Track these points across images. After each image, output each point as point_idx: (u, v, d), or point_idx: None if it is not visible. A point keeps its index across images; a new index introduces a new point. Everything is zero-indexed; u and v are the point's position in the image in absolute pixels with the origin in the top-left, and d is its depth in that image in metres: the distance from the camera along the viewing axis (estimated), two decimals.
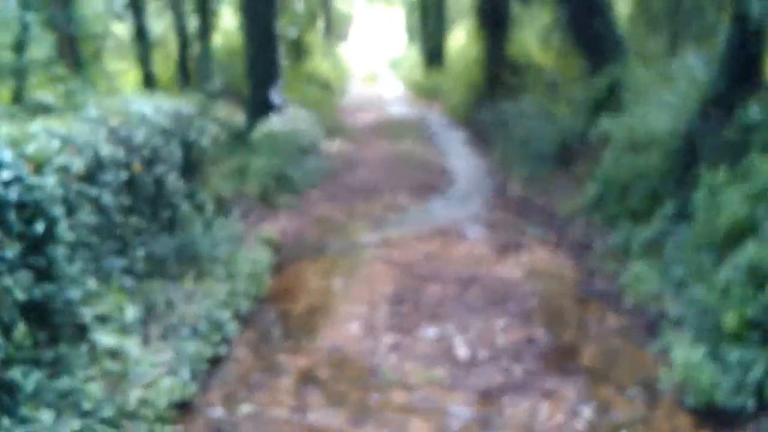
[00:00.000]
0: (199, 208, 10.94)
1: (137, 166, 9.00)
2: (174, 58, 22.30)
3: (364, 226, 13.50)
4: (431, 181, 16.89)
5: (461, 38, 29.54)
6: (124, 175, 8.67)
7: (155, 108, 10.15)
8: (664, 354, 8.04)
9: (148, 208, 9.35)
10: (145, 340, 7.99)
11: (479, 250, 11.90)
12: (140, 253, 8.82)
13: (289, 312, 9.90)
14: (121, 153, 8.69)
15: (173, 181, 10.02)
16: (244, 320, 9.40)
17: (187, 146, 11.05)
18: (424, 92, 31.88)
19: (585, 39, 16.24)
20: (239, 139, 17.55)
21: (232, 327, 8.95)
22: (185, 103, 11.70)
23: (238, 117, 19.47)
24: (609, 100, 14.73)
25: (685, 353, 7.49)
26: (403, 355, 8.52)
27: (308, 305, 10.08)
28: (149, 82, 20.94)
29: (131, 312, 8.03)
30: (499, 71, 22.74)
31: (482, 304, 9.76)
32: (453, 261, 11.39)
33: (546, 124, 17.05)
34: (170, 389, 7.27)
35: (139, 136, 9.22)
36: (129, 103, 9.91)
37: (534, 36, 22.40)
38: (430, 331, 9.09)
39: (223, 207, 12.46)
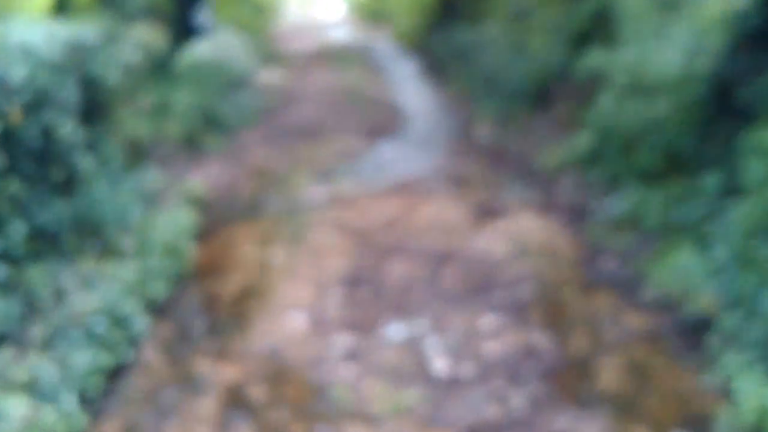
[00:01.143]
0: (105, 161, 8.90)
1: (15, 114, 6.97)
2: None
3: (309, 178, 11.65)
4: (383, 121, 15.04)
5: None
6: None
7: (44, 36, 8.09)
8: (712, 373, 6.27)
9: (32, 166, 7.33)
10: (19, 352, 6.06)
11: (450, 213, 10.07)
12: (20, 228, 6.80)
13: (217, 296, 8.03)
14: None
15: (68, 129, 7.97)
16: (159, 310, 7.53)
17: (90, 84, 9.01)
18: (371, 16, 29.78)
19: None
20: (162, 67, 15.48)
21: (140, 322, 7.06)
22: (88, 29, 9.61)
23: (161, 42, 17.32)
24: (596, 31, 12.86)
25: (756, 391, 5.66)
26: (361, 368, 6.68)
27: (241, 286, 8.21)
28: (62, 1, 18.96)
29: None
30: None
31: (461, 292, 7.95)
32: (419, 228, 9.57)
33: (517, 57, 15.19)
34: (48, 428, 5.37)
35: (18, 73, 7.17)
36: (7, 30, 7.84)
37: None
38: (396, 330, 7.26)
39: (138, 156, 10.51)
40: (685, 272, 7.41)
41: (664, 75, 10.35)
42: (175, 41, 16.51)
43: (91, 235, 7.90)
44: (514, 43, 15.85)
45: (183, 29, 16.82)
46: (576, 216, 9.93)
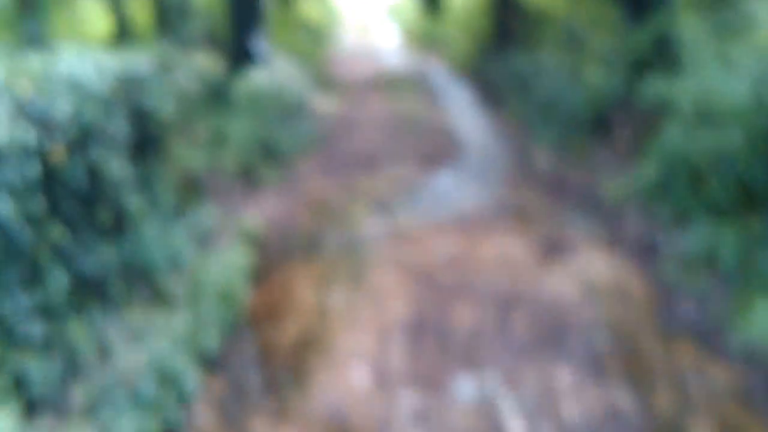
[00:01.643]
0: (155, 200, 8.10)
1: (58, 152, 6.21)
2: (152, 2, 19.49)
3: (366, 210, 10.80)
4: (440, 149, 14.14)
5: None
6: (35, 168, 5.86)
7: (93, 68, 7.32)
8: None
9: (77, 209, 6.54)
10: (59, 420, 5.27)
11: (514, 249, 9.18)
12: (61, 279, 6.00)
13: (273, 346, 7.20)
14: (32, 134, 5.89)
15: (117, 167, 7.20)
16: (211, 364, 6.73)
17: (141, 117, 8.25)
18: (424, 42, 28.90)
19: None
20: (218, 96, 14.76)
21: (192, 379, 6.26)
22: (141, 59, 8.85)
23: (218, 69, 16.62)
24: (656, 58, 11.94)
25: None
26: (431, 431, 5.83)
27: (298, 333, 7.37)
28: (122, 28, 18.36)
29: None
30: (508, 19, 19.88)
31: (532, 340, 7.06)
32: (483, 267, 8.68)
33: (573, 84, 14.28)
34: None
35: (64, 108, 6.40)
36: (54, 61, 7.09)
37: None
38: (466, 386, 6.40)
39: (193, 190, 9.75)
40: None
41: (733, 104, 9.43)
42: (232, 68, 15.84)
43: (139, 282, 7.11)
44: (570, 70, 14.95)
45: (240, 56, 16.12)
46: (645, 252, 9.01)
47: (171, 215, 8.31)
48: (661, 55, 11.88)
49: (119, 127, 7.43)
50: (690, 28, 12.02)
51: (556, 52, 16.21)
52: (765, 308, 6.78)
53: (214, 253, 8.33)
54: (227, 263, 8.10)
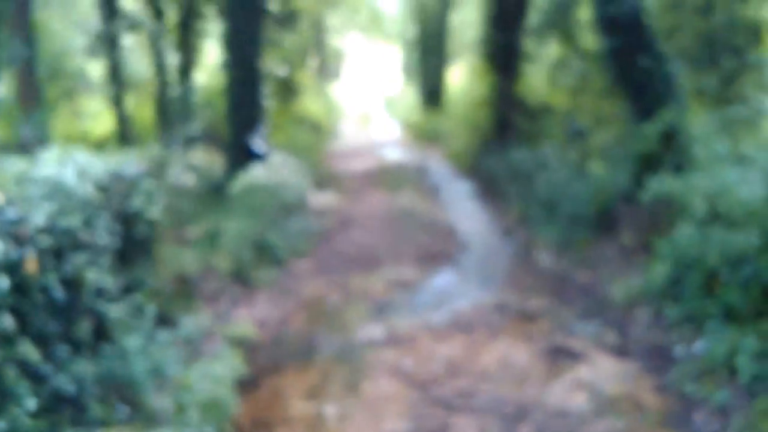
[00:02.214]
0: (139, 309, 7.60)
1: (30, 263, 5.74)
2: (154, 99, 19.33)
3: (364, 312, 10.35)
4: (440, 247, 13.70)
5: (464, 76, 26.28)
6: (3, 282, 5.39)
7: (76, 170, 6.92)
8: None
9: (51, 322, 6.06)
10: None
11: (518, 356, 8.67)
12: (29, 401, 5.49)
13: None
14: (2, 245, 5.44)
15: (97, 275, 6.74)
16: None
17: (128, 219, 7.83)
18: (423, 135, 28.61)
19: (628, 76, 12.89)
20: (217, 191, 14.41)
21: None
22: (131, 160, 8.47)
23: (218, 165, 16.31)
24: (664, 154, 11.54)
25: None
26: None
27: None
28: (123, 125, 18.17)
29: None
30: (508, 113, 19.58)
31: None
32: (486, 375, 8.17)
33: (576, 180, 13.88)
34: None
35: (39, 216, 5.97)
36: (34, 165, 6.69)
37: (549, 74, 19.10)
38: None
39: (183, 293, 9.29)
40: None
41: (747, 204, 9.02)
42: (231, 165, 15.52)
43: (120, 398, 6.59)
44: (573, 165, 14.58)
45: (239, 152, 15.83)
46: (657, 359, 8.50)
47: (155, 324, 7.79)
48: (669, 151, 11.48)
49: (101, 232, 6.99)
50: (699, 123, 11.68)
51: (558, 147, 15.86)
52: None
53: (202, 362, 7.82)
54: (215, 373, 7.59)
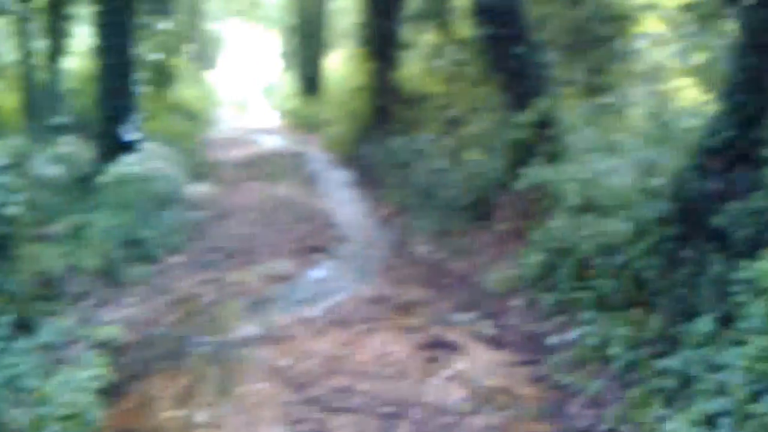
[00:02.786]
0: None
1: None
2: (20, 86, 18.59)
3: (240, 309, 10.10)
4: (318, 238, 13.55)
5: (343, 63, 26.07)
6: None
7: None
8: None
9: None
10: None
11: (396, 349, 8.57)
12: None
13: None
14: None
15: None
16: None
17: None
18: (302, 123, 28.35)
19: (503, 65, 12.92)
20: (86, 184, 13.87)
21: None
22: None
23: (88, 156, 15.73)
24: (537, 143, 11.57)
25: None
26: None
27: None
28: None
29: None
30: (387, 101, 19.47)
31: None
32: (364, 372, 8.02)
33: (453, 169, 13.87)
34: None
35: None
36: None
37: (426, 62, 19.07)
38: None
39: (46, 294, 8.91)
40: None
41: (618, 192, 9.10)
42: (102, 156, 14.97)
43: None
44: (449, 153, 14.56)
45: (110, 142, 15.25)
46: (532, 349, 8.52)
47: (12, 331, 7.41)
48: (542, 140, 11.52)
49: None
50: (571, 113, 11.76)
51: (435, 135, 15.83)
52: (660, 411, 6.29)
53: (64, 370, 7.45)
54: (78, 381, 7.22)
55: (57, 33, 19.21)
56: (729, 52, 8.47)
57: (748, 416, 5.41)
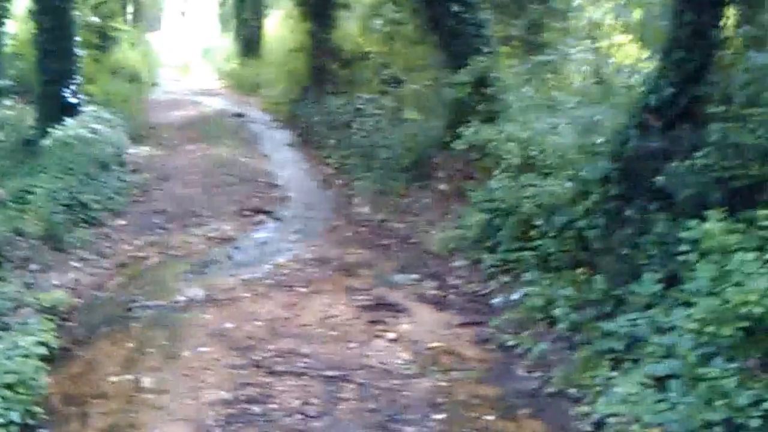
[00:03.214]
0: None
1: None
2: None
3: (183, 271, 9.73)
4: (260, 199, 13.23)
5: (280, 25, 25.49)
6: None
7: None
8: None
9: None
10: None
11: (339, 311, 8.29)
12: None
13: None
14: None
15: None
16: None
17: None
18: (242, 85, 27.72)
19: (440, 23, 12.54)
20: (27, 148, 13.33)
21: None
22: None
23: (29, 120, 15.13)
24: (476, 102, 11.24)
25: None
26: None
27: (105, 428, 6.17)
28: None
29: None
30: (324, 61, 19.02)
31: (365, 427, 6.07)
32: (308, 334, 7.73)
33: (392, 128, 13.54)
34: None
35: None
36: None
37: (365, 22, 18.62)
38: None
39: None
40: (623, 397, 5.67)
41: (558, 151, 8.82)
42: (42, 120, 14.38)
43: None
44: (388, 113, 14.20)
45: (51, 106, 14.66)
46: (477, 309, 8.27)
47: None
48: (481, 99, 11.19)
49: None
50: (509, 71, 11.46)
51: (374, 96, 15.46)
52: (606, 374, 6.05)
53: (7, 336, 7.05)
54: (22, 348, 6.84)
55: None
56: (667, 8, 8.17)
57: (697, 379, 5.18)
